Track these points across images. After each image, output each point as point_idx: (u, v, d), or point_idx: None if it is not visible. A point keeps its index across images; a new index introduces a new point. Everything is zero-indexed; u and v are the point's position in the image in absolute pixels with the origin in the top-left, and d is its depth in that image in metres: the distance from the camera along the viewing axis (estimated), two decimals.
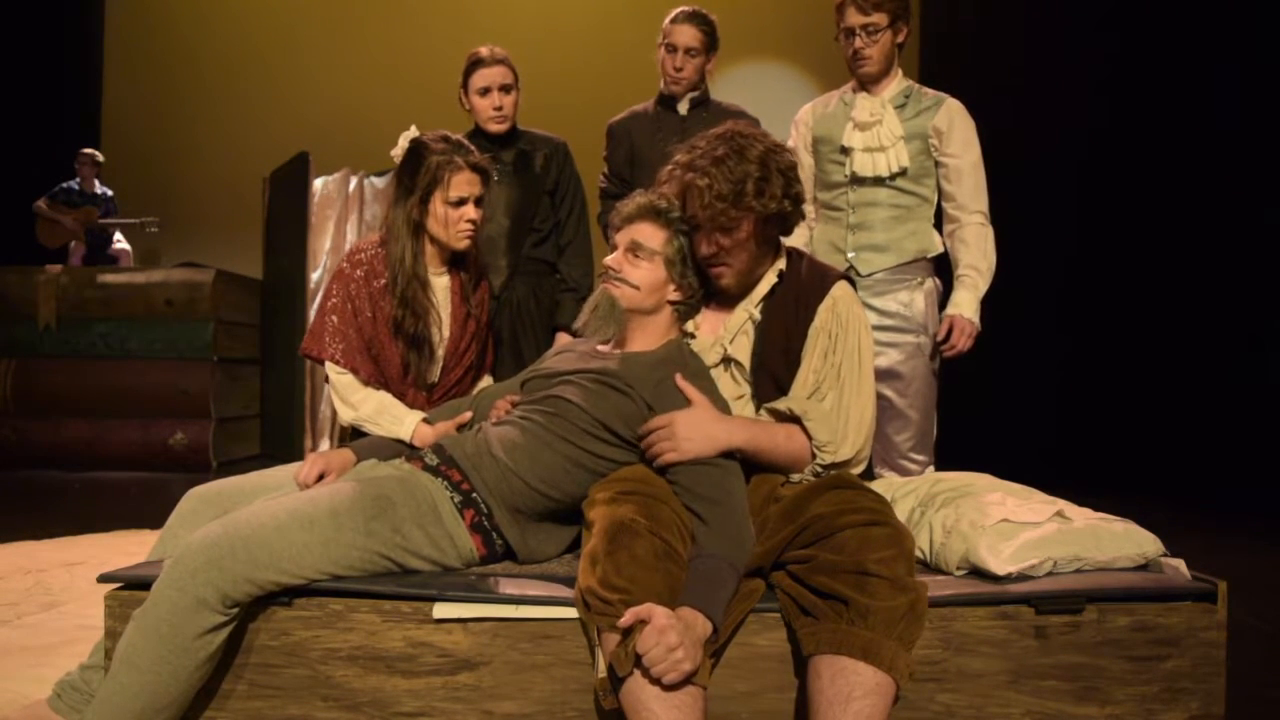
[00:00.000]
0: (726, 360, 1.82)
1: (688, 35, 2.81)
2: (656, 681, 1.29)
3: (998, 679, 1.52)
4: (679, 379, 1.69)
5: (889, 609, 1.37)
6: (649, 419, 1.66)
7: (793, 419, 1.71)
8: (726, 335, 1.82)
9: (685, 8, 2.85)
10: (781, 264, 1.84)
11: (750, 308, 1.81)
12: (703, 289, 1.84)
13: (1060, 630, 1.52)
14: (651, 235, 1.80)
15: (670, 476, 1.62)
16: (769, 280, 1.82)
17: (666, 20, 2.85)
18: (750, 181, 1.69)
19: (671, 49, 2.83)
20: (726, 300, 1.86)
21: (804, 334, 1.77)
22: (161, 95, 7.96)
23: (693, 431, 1.60)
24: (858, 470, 1.74)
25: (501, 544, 1.69)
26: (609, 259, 1.83)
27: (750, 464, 1.69)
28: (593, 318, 1.79)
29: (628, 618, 1.31)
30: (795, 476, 1.72)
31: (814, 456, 1.70)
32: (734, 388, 1.82)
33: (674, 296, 1.82)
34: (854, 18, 2.44)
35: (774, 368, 1.78)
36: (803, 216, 1.84)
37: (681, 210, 1.80)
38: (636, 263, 1.80)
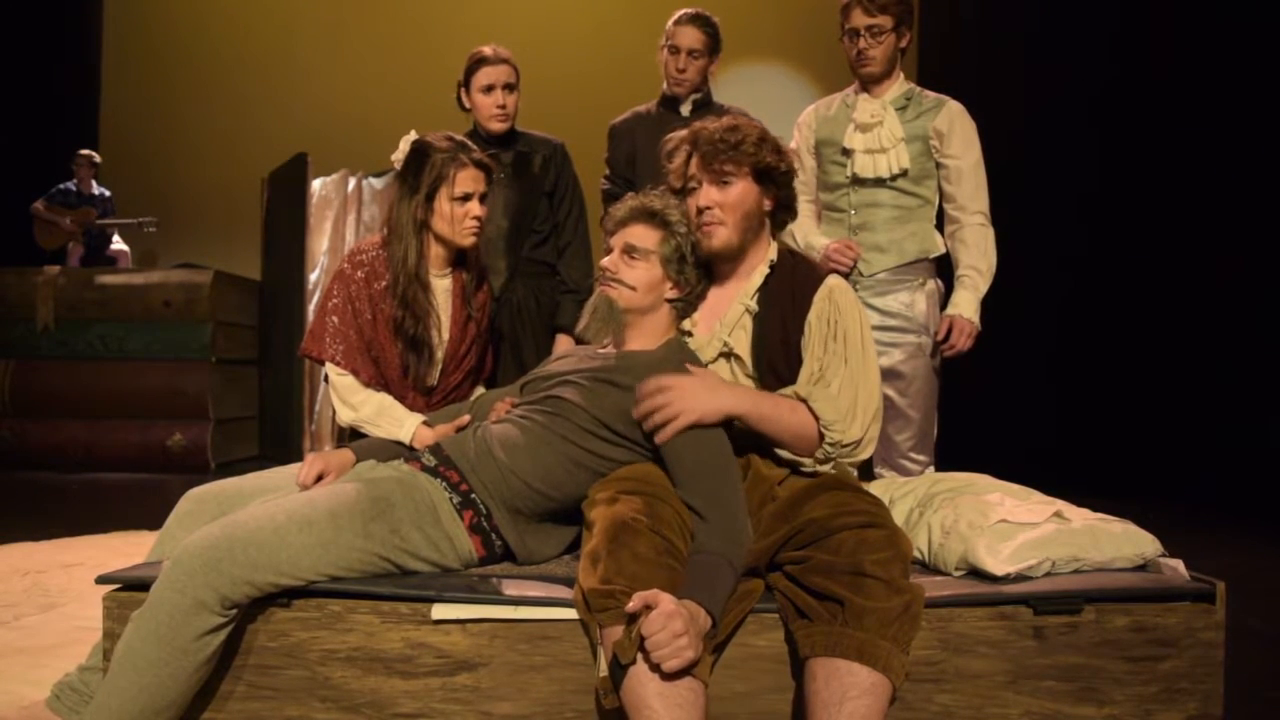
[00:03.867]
0: (726, 354, 1.83)
1: (690, 37, 2.83)
2: (658, 670, 1.29)
3: (996, 679, 1.52)
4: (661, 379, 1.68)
5: (884, 610, 1.37)
6: (640, 419, 1.65)
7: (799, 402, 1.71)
8: (723, 330, 1.83)
9: (688, 10, 2.86)
10: (773, 255, 1.87)
11: (745, 300, 1.83)
12: (700, 285, 1.86)
13: (1059, 631, 1.52)
14: (645, 236, 1.81)
15: (670, 471, 1.62)
16: (761, 271, 1.85)
17: (670, 22, 2.87)
18: (749, 139, 1.80)
19: (674, 50, 2.84)
20: (721, 295, 1.88)
21: (801, 325, 1.79)
22: (160, 96, 7.95)
23: (697, 391, 1.59)
24: (866, 454, 1.73)
25: (500, 545, 1.69)
26: (605, 261, 1.85)
27: (758, 441, 1.70)
28: (592, 321, 1.81)
29: (635, 601, 1.31)
30: (808, 464, 1.71)
31: (822, 437, 1.67)
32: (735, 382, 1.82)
33: (671, 294, 1.83)
34: (859, 19, 2.46)
35: (774, 360, 1.79)
36: (794, 213, 1.90)
37: (683, 173, 1.86)
38: (632, 263, 1.81)
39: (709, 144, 1.79)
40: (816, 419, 1.67)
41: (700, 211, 1.81)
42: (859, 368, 1.73)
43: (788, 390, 1.73)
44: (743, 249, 1.84)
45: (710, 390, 1.62)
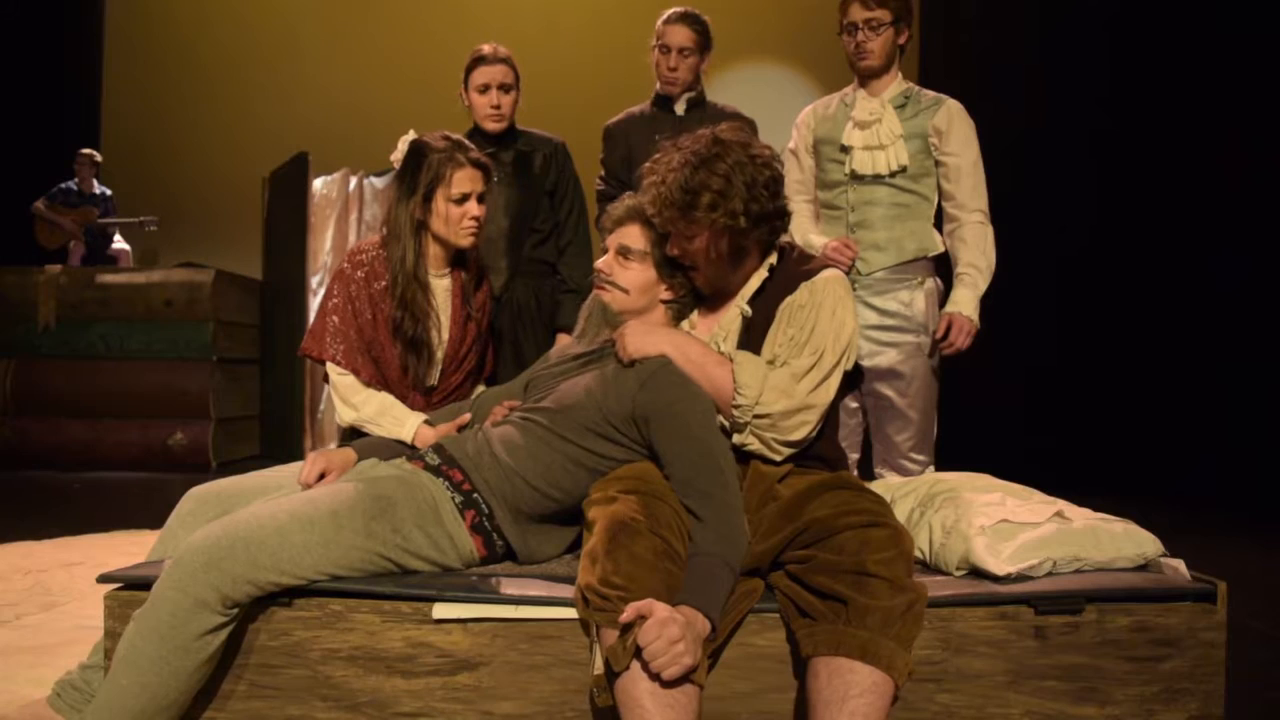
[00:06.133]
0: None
1: (681, 35, 2.82)
2: (655, 677, 1.29)
3: (997, 679, 1.52)
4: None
5: (887, 609, 1.37)
6: (641, 407, 1.65)
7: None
8: (721, 333, 1.82)
9: (677, 8, 2.85)
10: (773, 259, 1.83)
11: (741, 303, 1.81)
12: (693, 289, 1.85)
13: (1060, 630, 1.52)
14: (640, 237, 1.81)
15: (666, 471, 1.62)
16: (760, 276, 1.82)
17: (659, 21, 2.86)
18: (706, 194, 1.66)
19: (665, 50, 2.83)
20: (721, 297, 1.86)
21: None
22: (161, 95, 7.95)
23: (638, 331, 1.72)
24: (789, 436, 1.66)
25: (502, 545, 1.69)
26: (599, 263, 1.85)
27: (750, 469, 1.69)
28: (588, 326, 1.81)
29: (629, 613, 1.31)
30: (737, 438, 1.68)
31: (735, 398, 1.65)
32: None
33: (665, 296, 1.83)
34: (857, 13, 2.47)
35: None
36: (784, 227, 1.81)
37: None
38: (626, 265, 1.81)
39: (657, 214, 1.71)
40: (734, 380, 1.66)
41: (673, 257, 1.78)
42: (811, 358, 1.69)
43: (723, 347, 1.75)
44: (725, 279, 1.80)
45: (649, 331, 1.73)
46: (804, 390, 1.66)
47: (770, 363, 1.71)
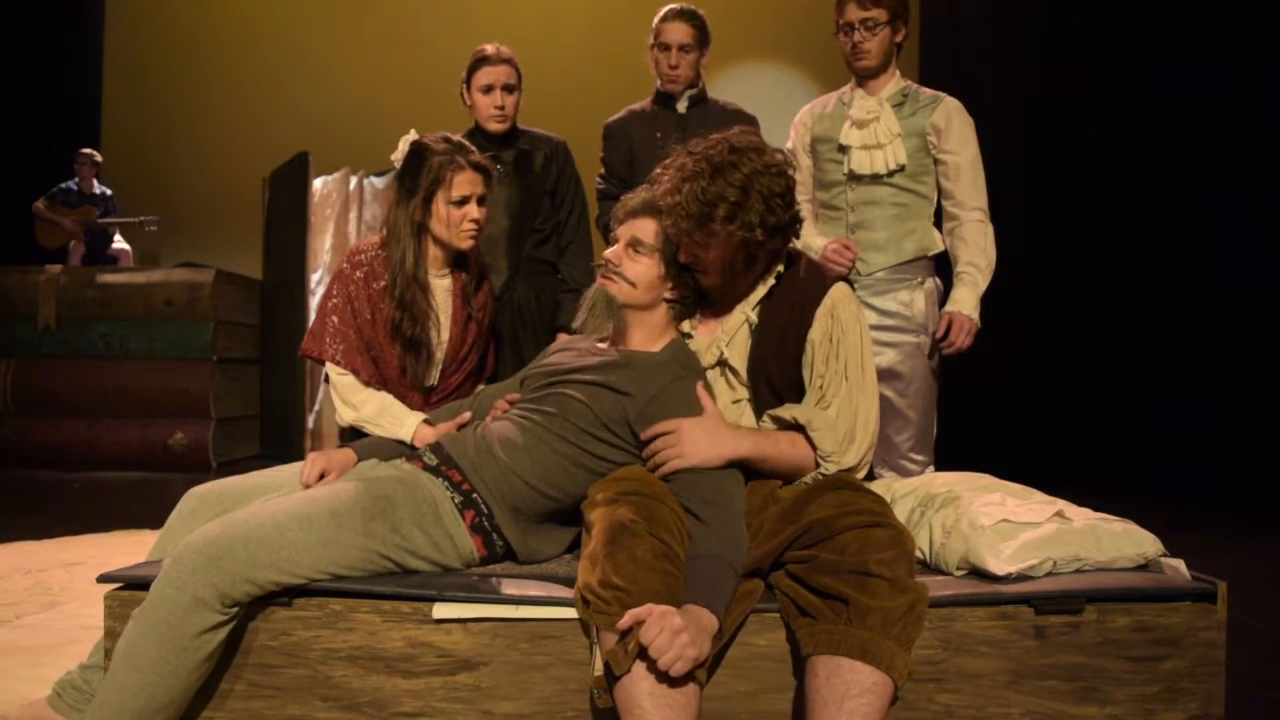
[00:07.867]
0: (722, 363, 1.81)
1: (679, 32, 2.81)
2: (655, 677, 1.29)
3: (997, 679, 1.52)
4: (699, 388, 1.70)
5: (888, 609, 1.37)
6: (645, 422, 1.65)
7: (796, 427, 1.70)
8: (724, 337, 1.81)
9: (674, 5, 2.85)
10: (780, 266, 1.81)
11: (747, 310, 1.80)
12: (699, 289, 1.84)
13: (1060, 630, 1.52)
14: (653, 232, 1.79)
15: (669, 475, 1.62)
16: (766, 283, 1.81)
17: (656, 19, 2.86)
18: (723, 205, 1.63)
19: (664, 47, 2.83)
20: (726, 301, 1.84)
21: (801, 337, 1.75)
22: (161, 95, 7.95)
23: (700, 439, 1.61)
24: (862, 474, 1.73)
25: (502, 545, 1.69)
26: (608, 252, 1.83)
27: (752, 472, 1.69)
28: (590, 315, 1.79)
29: (627, 619, 1.31)
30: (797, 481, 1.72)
31: (818, 465, 1.69)
32: (729, 391, 1.82)
33: (670, 295, 1.81)
34: (853, 12, 2.46)
35: (769, 370, 1.77)
36: (797, 235, 1.80)
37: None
38: (636, 258, 1.79)
39: (673, 225, 1.69)
40: (814, 448, 1.68)
41: (685, 263, 1.77)
42: (857, 386, 1.72)
43: (785, 412, 1.71)
44: (735, 287, 1.80)
45: (712, 438, 1.62)
46: (869, 428, 1.72)
47: (819, 401, 1.72)
